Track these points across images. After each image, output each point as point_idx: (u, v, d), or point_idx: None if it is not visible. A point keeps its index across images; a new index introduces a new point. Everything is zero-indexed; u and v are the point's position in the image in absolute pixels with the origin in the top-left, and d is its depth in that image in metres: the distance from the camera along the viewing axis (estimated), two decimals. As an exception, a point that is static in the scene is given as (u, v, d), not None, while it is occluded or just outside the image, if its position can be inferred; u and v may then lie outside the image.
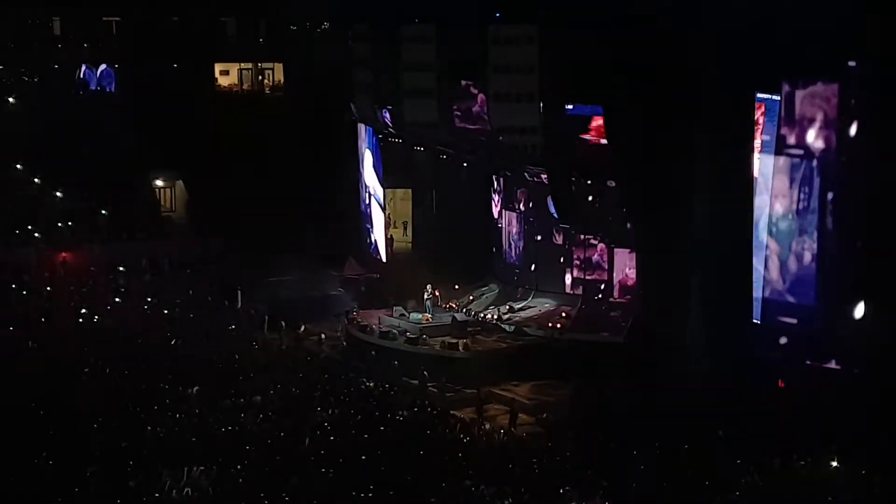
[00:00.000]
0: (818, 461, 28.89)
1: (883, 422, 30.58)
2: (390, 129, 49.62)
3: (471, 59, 42.69)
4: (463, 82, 43.42)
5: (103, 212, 52.43)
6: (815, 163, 34.68)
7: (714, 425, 32.67)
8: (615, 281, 43.63)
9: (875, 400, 31.63)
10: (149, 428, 29.16)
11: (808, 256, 35.30)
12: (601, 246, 43.86)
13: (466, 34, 42.98)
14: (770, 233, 36.12)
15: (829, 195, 34.58)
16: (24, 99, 61.18)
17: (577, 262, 44.46)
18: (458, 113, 43.66)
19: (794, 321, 35.56)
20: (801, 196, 35.12)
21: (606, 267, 43.81)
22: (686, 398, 35.00)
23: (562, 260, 45.01)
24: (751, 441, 30.53)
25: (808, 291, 35.44)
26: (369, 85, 49.38)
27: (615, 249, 43.53)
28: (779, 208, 35.80)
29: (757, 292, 36.40)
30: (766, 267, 36.38)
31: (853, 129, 33.68)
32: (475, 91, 42.90)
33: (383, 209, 53.70)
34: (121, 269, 48.05)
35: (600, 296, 43.72)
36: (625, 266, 43.30)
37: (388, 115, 47.84)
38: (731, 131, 35.47)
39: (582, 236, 44.19)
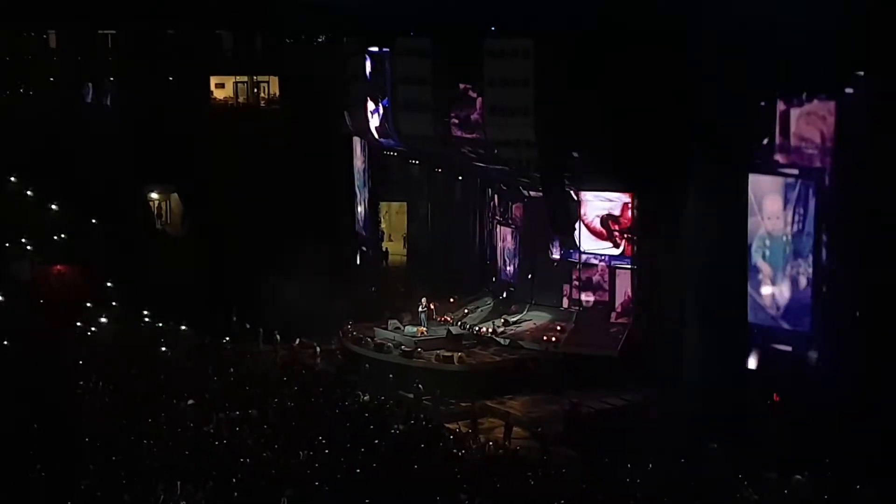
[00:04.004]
0: (813, 475, 28.87)
1: (877, 435, 30.61)
2: (384, 142, 49.70)
3: (468, 63, 42.65)
4: (461, 86, 43.37)
5: (93, 221, 52.39)
6: (810, 183, 34.24)
7: (709, 439, 32.73)
8: (617, 304, 43.37)
9: (870, 413, 31.65)
10: (144, 441, 29.10)
11: (803, 281, 34.76)
12: (601, 265, 43.68)
13: (463, 45, 43.03)
14: (763, 256, 35.72)
15: (826, 217, 34.05)
16: (19, 112, 61.14)
17: (576, 283, 44.28)
18: (456, 121, 43.62)
19: (789, 348, 35.11)
20: (796, 218, 34.57)
21: (607, 287, 43.61)
22: (681, 412, 35.05)
23: (558, 274, 44.96)
24: (746, 455, 30.55)
25: (803, 318, 34.88)
26: (364, 98, 49.52)
27: (617, 270, 43.34)
28: (772, 230, 35.38)
29: (749, 318, 35.94)
30: (758, 292, 35.90)
31: (851, 148, 33.40)
32: (474, 95, 42.80)
33: (378, 222, 53.81)
34: (114, 283, 48.02)
35: (599, 313, 43.56)
36: (627, 287, 43.02)
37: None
38: (726, 146, 35.45)
39: (582, 255, 44.08)
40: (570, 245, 43.84)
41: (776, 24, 32.76)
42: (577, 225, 43.32)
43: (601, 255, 43.48)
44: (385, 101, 47.90)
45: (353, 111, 51.24)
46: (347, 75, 51.20)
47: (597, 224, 43.32)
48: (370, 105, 49.01)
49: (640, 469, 29.38)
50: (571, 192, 43.05)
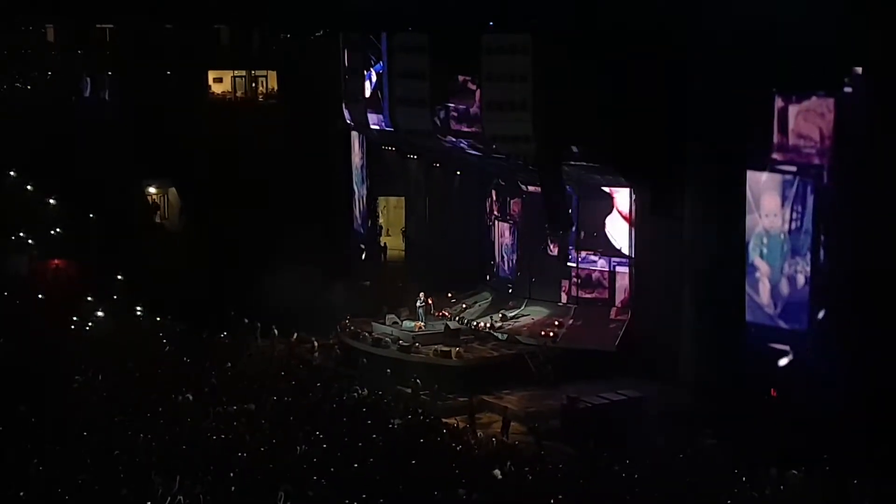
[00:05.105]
0: (811, 471, 28.91)
1: (876, 431, 30.65)
2: (382, 137, 49.66)
3: (467, 56, 42.54)
4: (460, 78, 43.27)
5: (95, 217, 52.45)
6: (808, 180, 34.11)
7: (706, 434, 32.77)
8: (617, 301, 43.27)
9: (867, 410, 31.69)
10: (141, 436, 29.11)
11: (801, 279, 34.63)
12: (601, 262, 43.62)
13: (461, 40, 42.96)
14: (760, 254, 35.57)
15: (824, 214, 33.86)
16: (17, 106, 61.11)
17: (576, 280, 44.25)
18: (455, 114, 43.53)
19: (787, 348, 34.91)
20: (794, 215, 34.41)
21: (607, 285, 43.55)
22: (679, 407, 35.10)
23: (557, 270, 44.95)
24: (744, 450, 30.59)
25: (801, 316, 34.69)
26: (361, 93, 49.45)
27: (617, 268, 43.29)
28: (769, 228, 35.24)
29: (746, 317, 35.75)
30: (755, 290, 35.74)
31: (850, 146, 33.23)
32: (473, 87, 42.69)
33: (377, 217, 53.77)
34: (112, 277, 48.03)
35: (598, 310, 43.48)
36: (627, 284, 42.85)
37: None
38: (724, 143, 35.40)
39: (582, 253, 44.03)
40: (574, 241, 43.76)
41: (775, 22, 32.73)
42: (574, 222, 43.32)
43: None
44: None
45: (352, 105, 51.19)
46: (347, 69, 51.12)
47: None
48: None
49: (638, 464, 29.40)
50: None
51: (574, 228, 43.63)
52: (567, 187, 43.01)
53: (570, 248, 44.22)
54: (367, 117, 49.45)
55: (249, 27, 68.05)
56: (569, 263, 44.28)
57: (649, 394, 36.52)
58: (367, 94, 48.77)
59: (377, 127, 48.93)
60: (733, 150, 35.37)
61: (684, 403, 35.29)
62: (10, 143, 54.52)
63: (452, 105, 43.61)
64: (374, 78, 48.21)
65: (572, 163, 41.48)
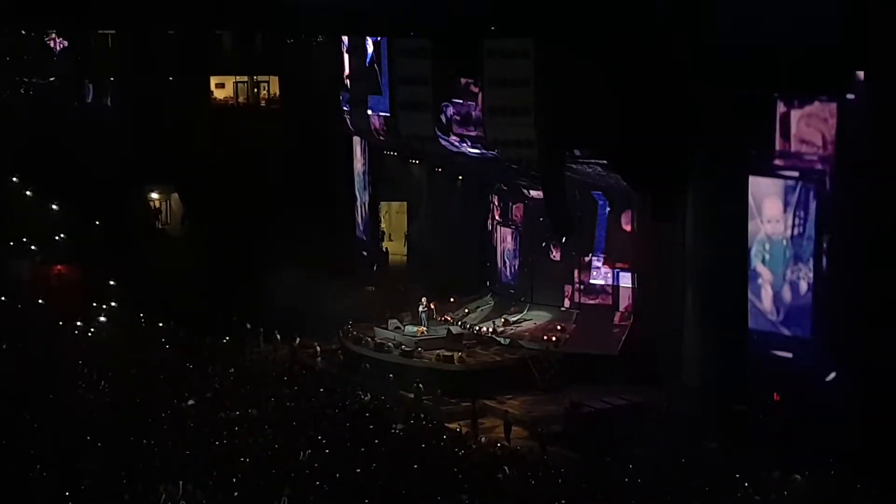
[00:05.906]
0: (814, 475, 28.90)
1: (879, 434, 30.65)
2: (383, 140, 49.63)
3: (470, 60, 42.51)
4: (462, 80, 43.22)
5: (97, 223, 52.48)
6: (811, 186, 34.01)
7: (709, 438, 32.76)
8: (621, 306, 43.23)
9: (871, 412, 31.67)
10: (144, 441, 29.13)
11: (803, 285, 34.52)
12: (605, 269, 43.58)
13: (463, 44, 42.94)
14: (762, 260, 35.49)
15: (827, 220, 33.75)
16: (20, 111, 61.13)
17: (579, 287, 44.21)
18: (458, 117, 43.52)
19: (790, 355, 34.79)
20: (796, 221, 34.28)
21: (611, 291, 43.55)
22: (682, 411, 35.10)
23: (559, 275, 44.93)
24: (746, 454, 30.59)
25: (804, 323, 34.56)
26: (363, 97, 49.38)
27: (620, 274, 43.24)
28: (771, 234, 35.15)
29: (749, 324, 35.59)
30: (758, 297, 35.62)
31: (852, 151, 33.16)
32: (475, 89, 42.61)
33: (379, 222, 53.74)
34: (114, 282, 48.06)
35: (601, 314, 43.43)
36: (630, 290, 42.84)
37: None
38: (726, 148, 35.37)
39: (585, 259, 43.99)
40: (582, 246, 43.72)
41: (777, 26, 32.74)
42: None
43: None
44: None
45: (354, 110, 51.15)
46: (350, 73, 51.08)
47: None
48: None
49: (640, 469, 29.41)
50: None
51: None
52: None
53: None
54: (369, 122, 49.28)
55: (251, 32, 67.99)
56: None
57: (652, 398, 36.53)
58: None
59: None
60: (735, 155, 35.32)
61: (687, 408, 35.26)
62: (13, 148, 54.54)
63: (458, 103, 43.45)
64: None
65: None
